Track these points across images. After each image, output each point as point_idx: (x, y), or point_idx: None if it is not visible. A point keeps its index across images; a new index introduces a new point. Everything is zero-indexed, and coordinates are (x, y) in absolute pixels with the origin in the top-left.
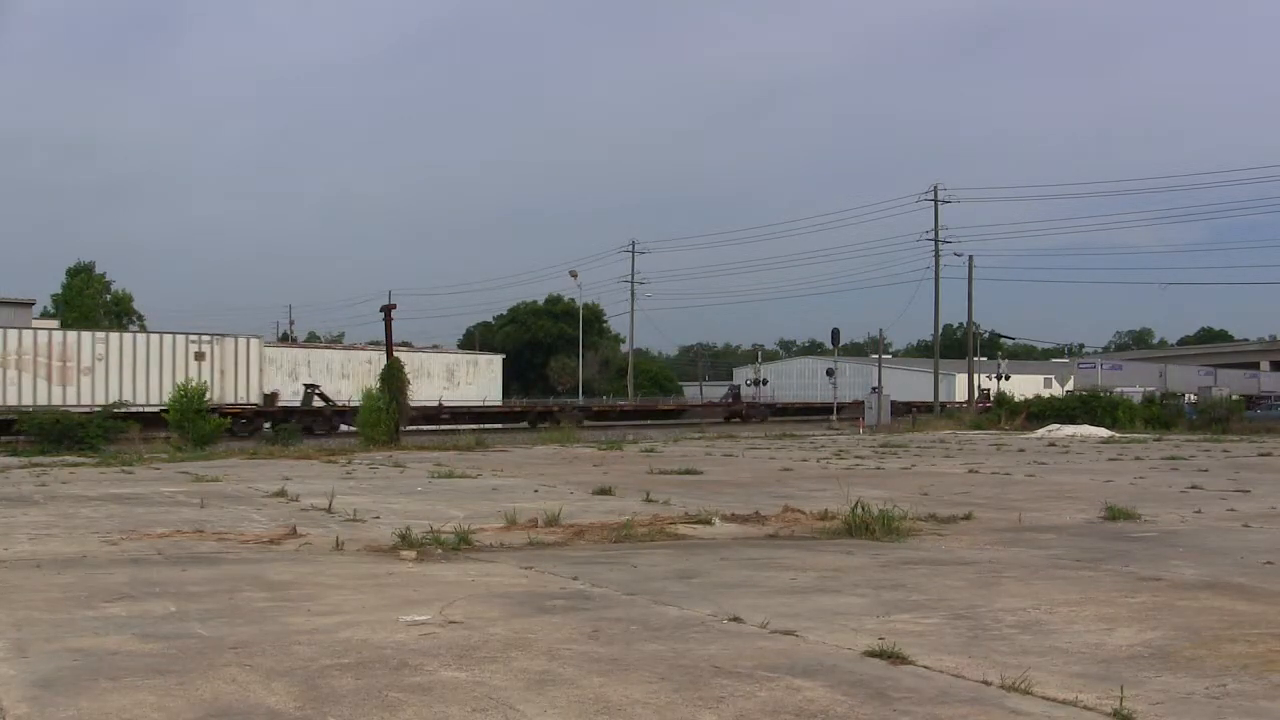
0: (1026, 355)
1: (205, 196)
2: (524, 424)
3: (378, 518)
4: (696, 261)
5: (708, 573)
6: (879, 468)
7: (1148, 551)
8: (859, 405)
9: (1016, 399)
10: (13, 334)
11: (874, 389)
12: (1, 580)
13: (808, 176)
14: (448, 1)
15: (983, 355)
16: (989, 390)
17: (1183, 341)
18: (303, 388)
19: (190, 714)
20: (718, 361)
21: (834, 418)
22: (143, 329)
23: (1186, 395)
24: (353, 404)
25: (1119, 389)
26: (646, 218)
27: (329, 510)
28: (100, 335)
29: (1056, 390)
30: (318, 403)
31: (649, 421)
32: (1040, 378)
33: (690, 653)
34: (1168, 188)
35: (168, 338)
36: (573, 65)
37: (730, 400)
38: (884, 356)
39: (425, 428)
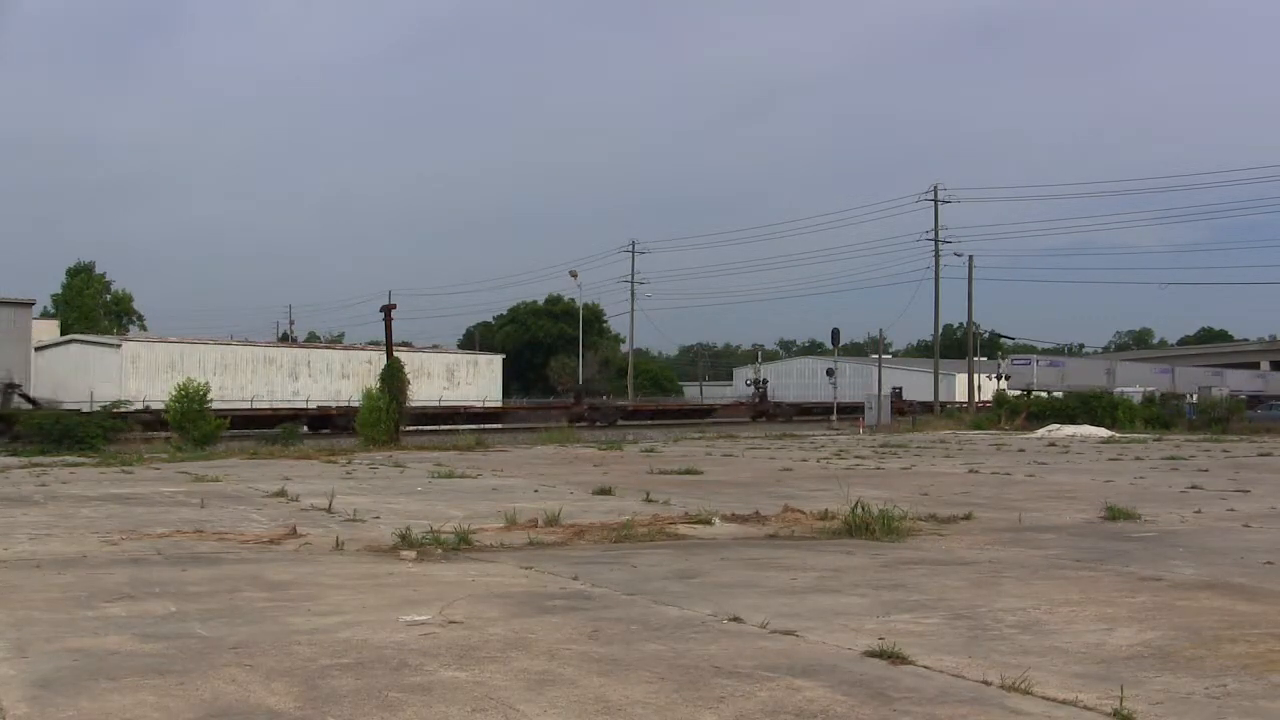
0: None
1: (205, 196)
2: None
3: (378, 518)
4: (696, 261)
5: (708, 573)
6: (879, 468)
7: (1148, 551)
8: (737, 406)
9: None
10: None
11: (754, 382)
12: (1, 580)
13: (808, 176)
14: (448, 1)
15: (983, 355)
16: (899, 389)
17: (1183, 341)
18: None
19: (190, 714)
20: (718, 361)
21: (833, 418)
22: (143, 329)
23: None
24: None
25: (1055, 389)
26: (646, 218)
27: (329, 510)
28: None
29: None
30: (19, 404)
31: (453, 426)
32: None
33: (690, 653)
34: (1168, 188)
35: None
36: (573, 66)
37: (572, 403)
38: (884, 356)
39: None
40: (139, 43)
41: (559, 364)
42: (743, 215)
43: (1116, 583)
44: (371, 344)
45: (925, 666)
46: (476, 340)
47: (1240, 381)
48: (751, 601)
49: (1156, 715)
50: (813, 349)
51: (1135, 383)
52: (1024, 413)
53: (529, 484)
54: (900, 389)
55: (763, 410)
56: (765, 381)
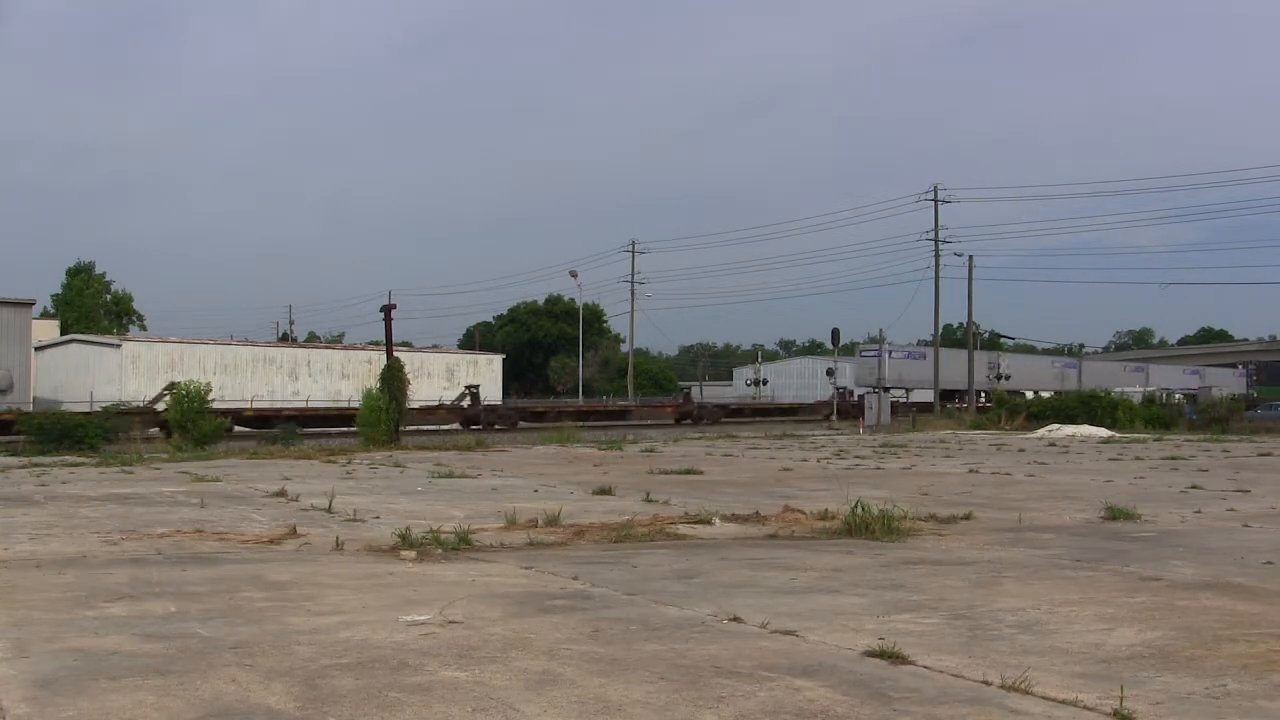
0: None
1: (205, 196)
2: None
3: (378, 518)
4: (696, 261)
5: (708, 573)
6: (879, 468)
7: (1148, 551)
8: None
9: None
10: None
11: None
12: (2, 580)
13: (808, 176)
14: (448, 2)
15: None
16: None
17: (1183, 341)
18: None
19: (190, 714)
20: (717, 361)
21: (833, 418)
22: (142, 329)
23: (1037, 393)
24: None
25: (915, 385)
26: (646, 218)
27: (329, 510)
28: None
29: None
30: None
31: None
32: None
33: (690, 653)
34: (1168, 188)
35: None
36: (573, 65)
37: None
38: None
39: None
40: (139, 43)
41: (559, 364)
42: (743, 215)
43: (1116, 583)
44: (371, 344)
45: (925, 666)
46: (476, 340)
47: (1174, 378)
48: (751, 601)
49: (1156, 715)
50: (813, 349)
51: (1029, 379)
52: (1024, 413)
53: (529, 484)
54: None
55: (840, 408)
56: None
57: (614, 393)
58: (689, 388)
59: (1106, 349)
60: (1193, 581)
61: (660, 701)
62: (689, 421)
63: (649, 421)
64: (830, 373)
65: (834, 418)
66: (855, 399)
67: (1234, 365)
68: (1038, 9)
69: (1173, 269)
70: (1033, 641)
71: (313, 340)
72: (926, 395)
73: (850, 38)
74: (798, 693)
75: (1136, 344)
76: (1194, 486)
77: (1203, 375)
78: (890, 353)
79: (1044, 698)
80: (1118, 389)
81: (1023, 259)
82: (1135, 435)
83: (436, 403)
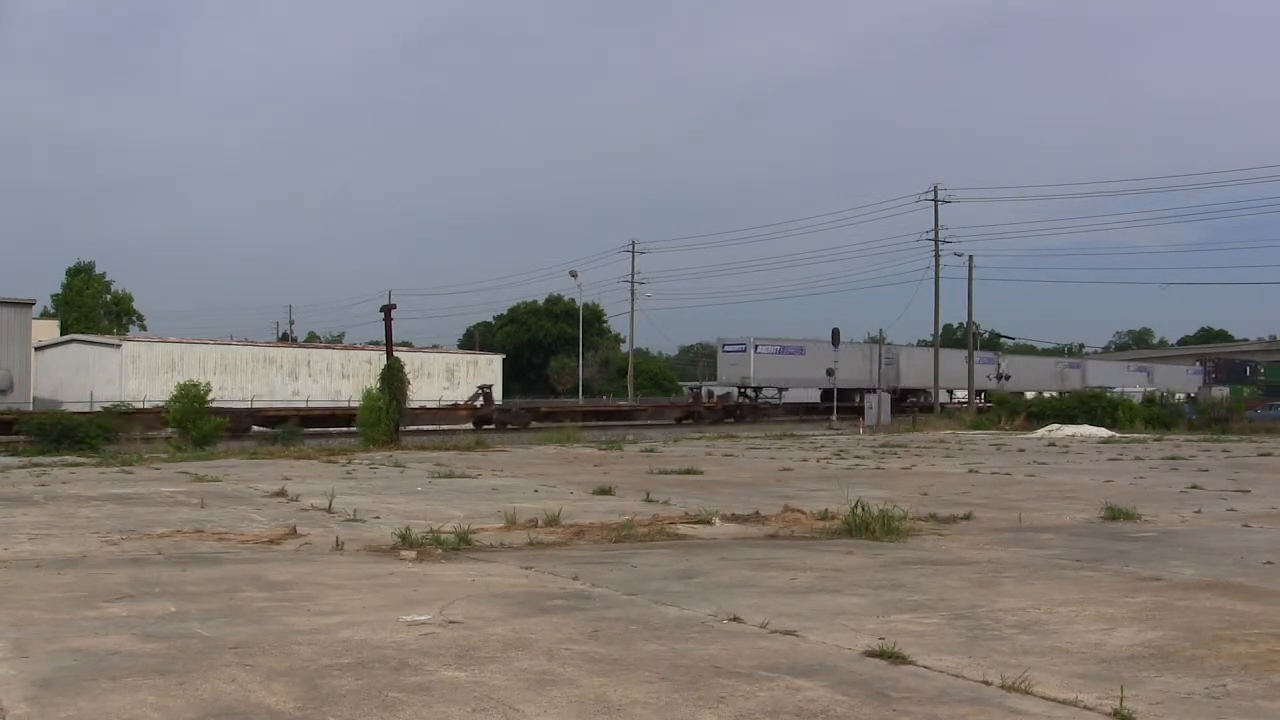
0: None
1: (205, 196)
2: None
3: (378, 518)
4: (696, 261)
5: (708, 573)
6: (879, 468)
7: (1148, 551)
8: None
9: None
10: None
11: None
12: (1, 580)
13: (808, 176)
14: (448, 1)
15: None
16: (732, 392)
17: (1183, 341)
18: None
19: (190, 714)
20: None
21: (833, 418)
22: (142, 329)
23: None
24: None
25: (787, 384)
26: (646, 218)
27: (329, 510)
28: None
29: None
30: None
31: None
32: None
33: (690, 653)
34: (1168, 188)
35: None
36: (573, 65)
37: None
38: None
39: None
40: (139, 42)
41: (559, 364)
42: (743, 215)
43: (1116, 583)
44: (371, 344)
45: (925, 666)
46: (476, 340)
47: (1116, 376)
48: (751, 601)
49: (1156, 715)
50: None
51: (943, 376)
52: (1024, 413)
53: (529, 484)
54: (730, 391)
55: (693, 410)
56: (699, 387)
57: (614, 393)
58: (699, 387)
59: (1106, 349)
60: (1193, 581)
61: (660, 701)
62: (490, 426)
63: (445, 425)
64: (830, 372)
65: (834, 418)
66: (713, 399)
67: (1192, 363)
68: (1038, 9)
69: (1173, 269)
70: (1033, 641)
71: (313, 340)
72: (803, 396)
73: (850, 38)
74: (798, 693)
75: (1136, 344)
76: (1194, 486)
77: (1151, 374)
78: (758, 348)
79: (1044, 698)
80: (1048, 391)
81: (1023, 259)
82: (1135, 435)
83: (443, 403)
